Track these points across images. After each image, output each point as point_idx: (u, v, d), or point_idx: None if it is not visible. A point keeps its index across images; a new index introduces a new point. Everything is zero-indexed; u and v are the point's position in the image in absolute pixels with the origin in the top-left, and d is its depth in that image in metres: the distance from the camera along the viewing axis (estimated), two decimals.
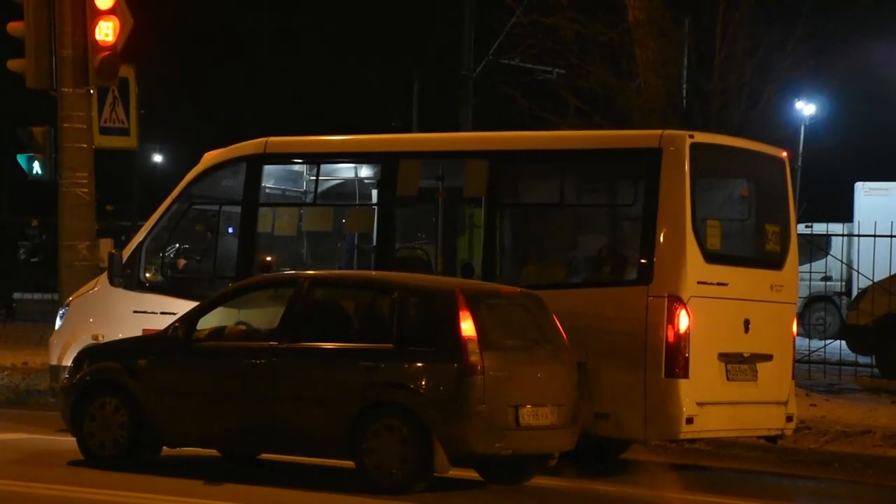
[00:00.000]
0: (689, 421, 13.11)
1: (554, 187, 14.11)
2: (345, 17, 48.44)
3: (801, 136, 38.38)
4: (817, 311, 31.16)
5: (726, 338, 13.53)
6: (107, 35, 17.93)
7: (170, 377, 12.76)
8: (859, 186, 31.77)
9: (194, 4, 45.21)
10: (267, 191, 15.20)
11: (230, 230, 15.31)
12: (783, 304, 14.16)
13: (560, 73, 21.49)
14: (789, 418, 14.15)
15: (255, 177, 14.90)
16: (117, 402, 12.76)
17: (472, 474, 12.60)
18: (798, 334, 14.78)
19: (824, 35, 20.63)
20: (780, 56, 20.17)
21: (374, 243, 14.53)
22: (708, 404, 13.27)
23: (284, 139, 15.15)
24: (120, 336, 14.40)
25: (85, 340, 15.05)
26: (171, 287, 15.10)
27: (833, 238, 28.31)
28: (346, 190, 15.39)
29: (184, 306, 13.67)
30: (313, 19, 49.17)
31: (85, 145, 18.46)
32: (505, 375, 11.94)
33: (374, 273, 13.88)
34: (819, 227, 27.25)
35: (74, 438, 13.00)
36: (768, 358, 13.88)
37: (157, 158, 56.50)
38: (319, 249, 15.49)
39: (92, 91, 18.46)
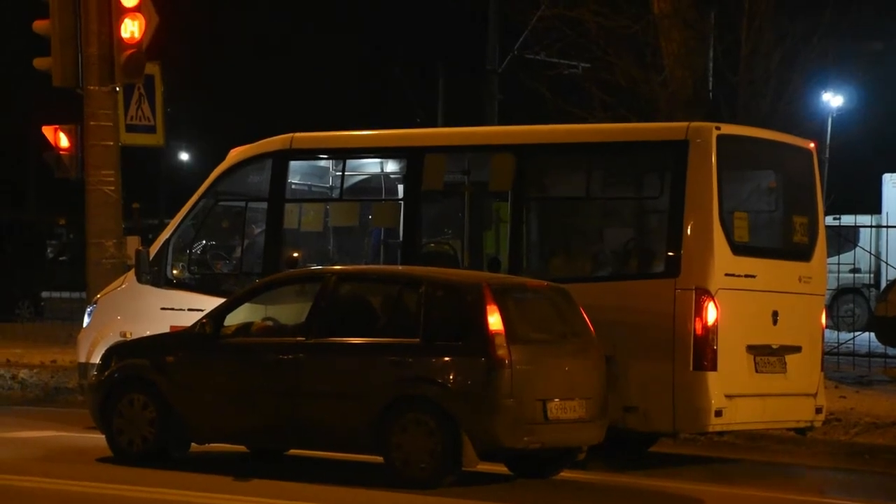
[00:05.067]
0: (718, 413, 13.07)
1: (580, 180, 14.08)
2: (370, 13, 48.46)
3: (829, 128, 38.22)
4: (846, 302, 31.03)
5: (754, 330, 13.48)
6: (132, 32, 17.95)
7: (198, 373, 12.78)
8: (887, 178, 31.62)
9: (219, 2, 45.29)
10: (293, 186, 15.21)
11: (256, 226, 15.32)
12: (811, 295, 14.10)
13: (585, 66, 21.43)
14: (819, 410, 14.10)
15: (281, 173, 14.91)
16: (145, 398, 12.79)
17: (500, 468, 12.59)
18: (827, 326, 14.71)
19: (851, 25, 20.51)
20: (806, 47, 20.07)
21: (401, 238, 14.52)
22: (737, 396, 13.22)
23: (310, 135, 15.16)
24: (147, 333, 14.42)
25: (113, 338, 15.08)
26: (198, 283, 15.13)
27: (861, 230, 28.19)
28: (372, 185, 15.39)
29: (211, 303, 13.68)
30: (339, 16, 49.21)
31: (111, 143, 18.49)
32: (532, 369, 11.92)
33: (400, 268, 13.88)
34: (847, 219, 27.13)
35: (103, 435, 13.03)
36: (797, 350, 13.83)
37: (184, 156, 56.66)
38: (346, 245, 15.50)
39: (118, 89, 18.49)
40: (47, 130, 19.06)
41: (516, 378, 11.78)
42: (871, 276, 31.19)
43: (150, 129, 19.60)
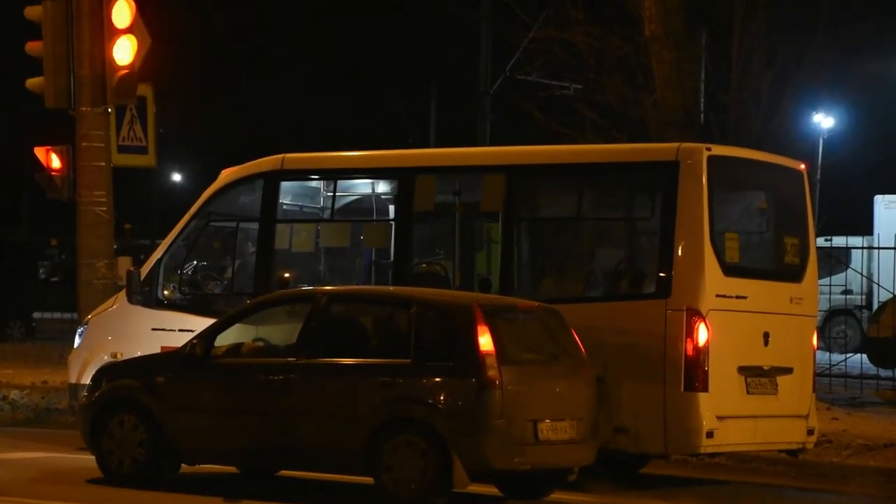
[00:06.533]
0: (710, 435, 13.06)
1: (571, 201, 14.09)
2: (362, 34, 48.54)
3: (820, 149, 38.29)
4: (838, 324, 31.05)
5: (746, 351, 13.48)
6: (124, 54, 17.96)
7: (188, 394, 12.75)
8: (879, 199, 31.69)
9: (212, 23, 45.36)
10: (284, 207, 15.21)
11: (248, 247, 15.32)
12: (803, 316, 14.10)
13: (577, 87, 21.48)
14: (810, 432, 14.09)
15: (272, 193, 14.92)
16: (136, 419, 12.76)
17: (491, 489, 12.57)
18: (818, 348, 14.71)
19: (842, 47, 20.57)
20: (797, 68, 20.12)
21: (392, 259, 14.52)
22: (728, 418, 13.21)
23: (301, 155, 15.17)
24: (138, 353, 14.40)
25: (104, 358, 15.06)
26: (189, 304, 15.11)
27: (853, 251, 28.23)
28: (364, 205, 15.40)
29: (202, 323, 13.66)
30: (331, 37, 49.30)
31: (103, 164, 18.48)
32: (523, 390, 11.91)
33: (391, 288, 13.87)
34: (839, 240, 27.16)
35: (94, 456, 13.00)
36: (788, 371, 13.82)
37: (176, 177, 56.72)
38: (337, 265, 15.49)
39: (110, 110, 18.49)
40: (39, 151, 19.04)
41: (507, 399, 11.76)
42: (863, 297, 31.23)
43: (142, 150, 19.59)
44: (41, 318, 31.09)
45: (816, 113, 38.61)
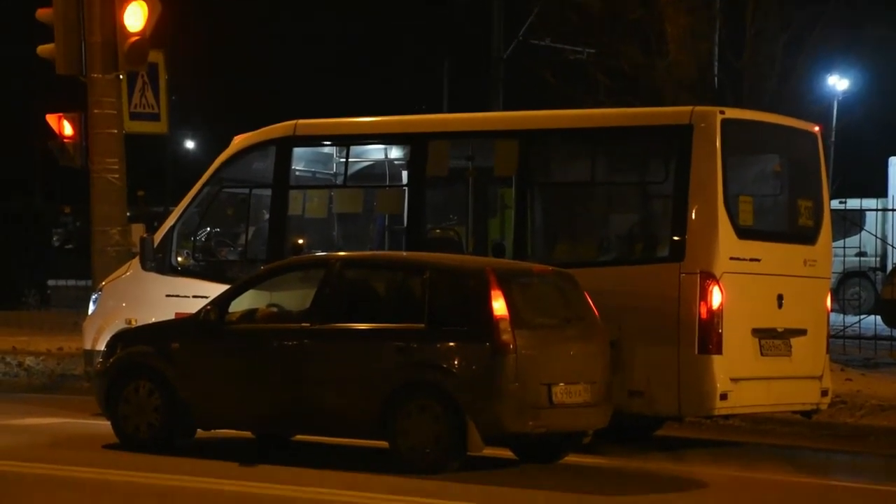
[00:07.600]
0: (724, 397, 13.07)
1: (584, 165, 14.07)
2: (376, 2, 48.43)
3: (834, 111, 38.17)
4: (852, 286, 31.02)
5: (760, 313, 13.48)
6: (135, 20, 17.92)
7: (202, 360, 12.79)
8: (893, 161, 31.59)
9: None
10: (297, 173, 15.21)
11: (261, 213, 15.32)
12: (817, 279, 14.09)
13: (590, 52, 21.42)
14: (824, 393, 14.10)
15: (285, 159, 14.91)
16: (151, 385, 12.80)
17: (506, 453, 12.60)
18: (832, 309, 14.70)
19: (856, 9, 20.48)
20: (811, 31, 20.04)
21: (405, 224, 14.52)
22: (742, 380, 13.23)
23: (314, 121, 15.15)
24: (153, 320, 14.44)
25: (118, 325, 15.09)
26: (202, 270, 15.14)
27: (867, 213, 28.16)
28: (377, 171, 15.39)
29: (216, 289, 13.68)
30: (344, 3, 49.19)
31: (115, 131, 18.48)
32: (537, 354, 11.92)
33: (405, 253, 13.88)
34: (853, 203, 27.09)
35: (109, 422, 13.05)
36: (802, 333, 13.82)
37: (189, 144, 56.72)
38: (350, 231, 15.50)
39: (121, 76, 18.47)
40: (51, 118, 19.03)
41: (521, 363, 11.78)
42: (878, 259, 31.18)
43: (154, 117, 19.57)
44: (55, 286, 31.18)
45: (831, 75, 38.47)
